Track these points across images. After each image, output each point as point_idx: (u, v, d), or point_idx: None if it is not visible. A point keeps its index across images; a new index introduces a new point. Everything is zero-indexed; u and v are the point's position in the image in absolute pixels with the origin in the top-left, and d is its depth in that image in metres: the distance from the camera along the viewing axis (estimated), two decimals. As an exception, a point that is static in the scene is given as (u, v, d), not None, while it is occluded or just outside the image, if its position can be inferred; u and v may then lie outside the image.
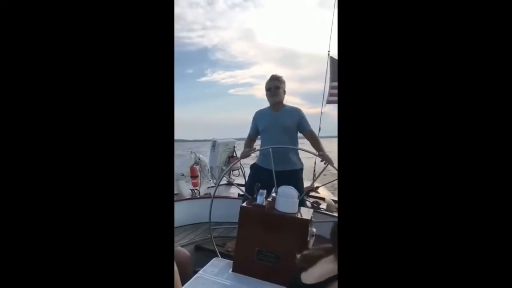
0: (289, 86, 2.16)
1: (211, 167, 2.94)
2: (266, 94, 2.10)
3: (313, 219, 1.59)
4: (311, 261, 0.89)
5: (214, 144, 2.97)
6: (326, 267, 0.86)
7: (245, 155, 2.06)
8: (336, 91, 3.30)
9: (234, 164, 2.49)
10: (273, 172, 1.78)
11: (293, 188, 1.64)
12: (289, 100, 2.16)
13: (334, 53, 3.36)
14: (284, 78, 2.14)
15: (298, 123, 2.06)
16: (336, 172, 1.85)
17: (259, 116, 2.16)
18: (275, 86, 2.06)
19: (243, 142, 2.26)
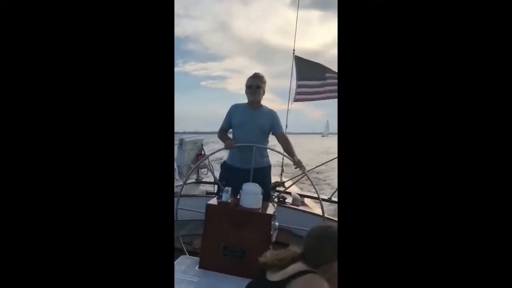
0: None
1: (178, 166, 2.92)
2: (246, 91, 2.11)
3: (276, 214, 1.67)
4: (279, 266, 0.90)
5: (182, 143, 2.95)
6: (290, 268, 0.88)
7: (230, 145, 2.03)
8: (301, 89, 3.41)
9: (201, 162, 2.50)
10: (252, 169, 1.83)
11: (257, 184, 1.71)
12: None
13: (298, 53, 3.47)
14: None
15: (272, 125, 2.11)
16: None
17: (235, 111, 2.16)
18: (256, 85, 2.08)
19: (212, 136, 2.25)
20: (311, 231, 0.94)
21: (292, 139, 2.17)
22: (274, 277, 0.89)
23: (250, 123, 2.08)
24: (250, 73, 2.17)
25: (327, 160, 3.41)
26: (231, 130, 2.20)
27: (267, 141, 2.18)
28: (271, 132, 2.15)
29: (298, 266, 0.88)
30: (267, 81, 2.18)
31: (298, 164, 1.98)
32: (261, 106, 2.15)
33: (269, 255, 0.95)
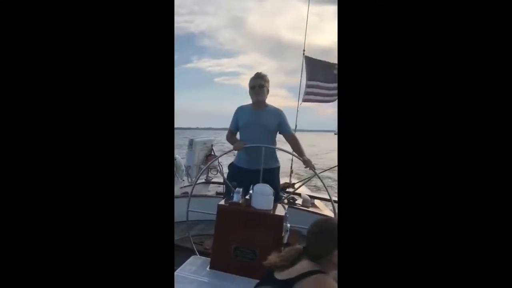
0: (275, 78, 2.17)
1: (188, 166, 2.94)
2: (250, 92, 2.11)
3: (287, 215, 1.65)
4: (284, 266, 0.92)
5: (192, 143, 2.97)
6: (298, 267, 0.90)
7: (239, 147, 2.05)
8: (310, 89, 3.39)
9: (211, 163, 2.51)
10: (261, 170, 1.83)
11: (268, 185, 1.70)
12: (275, 93, 2.18)
13: (312, 48, 3.45)
14: (271, 70, 2.19)
15: (279, 124, 2.10)
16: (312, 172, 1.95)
17: (240, 112, 2.17)
18: (259, 84, 2.06)
19: (225, 132, 2.25)
20: (312, 225, 0.97)
21: (303, 137, 2.14)
22: (281, 275, 0.90)
23: (255, 124, 2.07)
24: (264, 69, 2.16)
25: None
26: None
27: (275, 141, 2.16)
28: (278, 132, 2.13)
29: (305, 265, 0.90)
30: (280, 77, 2.20)
31: (307, 163, 1.97)
32: (267, 105, 2.14)
33: (272, 258, 0.96)
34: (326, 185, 1.95)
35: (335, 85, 3.29)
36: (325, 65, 3.41)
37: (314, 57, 3.44)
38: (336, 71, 3.29)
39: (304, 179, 3.10)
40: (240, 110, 2.18)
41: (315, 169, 1.96)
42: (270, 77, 2.11)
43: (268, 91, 2.13)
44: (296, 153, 2.07)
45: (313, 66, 3.40)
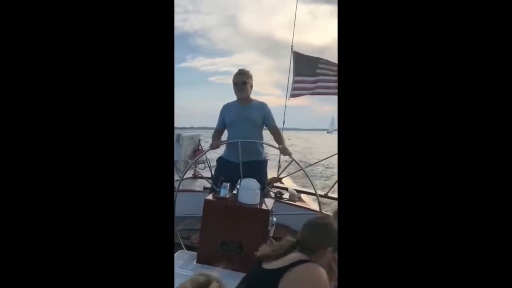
0: (270, 77, 2.22)
1: (176, 161, 2.92)
2: (234, 89, 2.14)
3: (273, 209, 1.68)
4: (275, 256, 0.94)
5: (179, 138, 2.95)
6: (288, 257, 0.92)
7: (215, 146, 2.14)
8: (298, 85, 3.40)
9: (199, 157, 2.50)
10: (240, 164, 1.85)
11: (255, 180, 1.72)
12: (269, 92, 2.23)
13: (297, 48, 3.47)
14: (266, 69, 2.22)
15: (264, 118, 2.15)
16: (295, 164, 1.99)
17: (226, 110, 2.21)
18: (242, 81, 2.10)
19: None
20: (308, 221, 1.00)
21: (299, 135, 2.19)
22: (271, 265, 0.92)
23: (242, 119, 2.11)
24: (259, 68, 2.19)
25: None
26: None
27: (261, 135, 2.21)
28: (264, 125, 2.19)
29: (296, 256, 0.91)
30: (275, 76, 2.23)
31: (283, 151, 2.05)
32: (251, 100, 2.19)
33: (264, 249, 0.98)
34: (310, 178, 2.00)
35: (318, 77, 3.33)
36: (313, 60, 3.43)
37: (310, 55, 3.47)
38: (319, 65, 3.33)
39: (292, 173, 3.13)
40: (226, 107, 2.22)
41: (291, 154, 2.02)
42: (264, 76, 2.16)
43: (251, 86, 2.17)
44: (277, 142, 2.14)
45: (301, 61, 3.41)
